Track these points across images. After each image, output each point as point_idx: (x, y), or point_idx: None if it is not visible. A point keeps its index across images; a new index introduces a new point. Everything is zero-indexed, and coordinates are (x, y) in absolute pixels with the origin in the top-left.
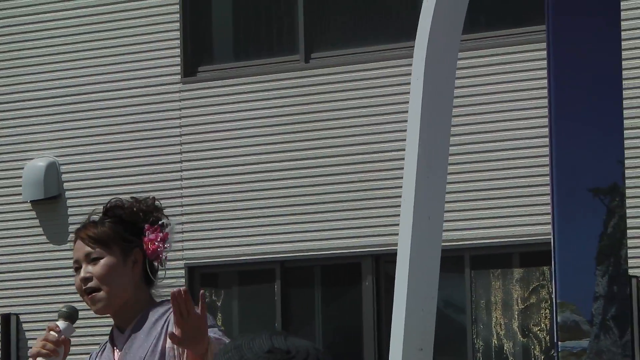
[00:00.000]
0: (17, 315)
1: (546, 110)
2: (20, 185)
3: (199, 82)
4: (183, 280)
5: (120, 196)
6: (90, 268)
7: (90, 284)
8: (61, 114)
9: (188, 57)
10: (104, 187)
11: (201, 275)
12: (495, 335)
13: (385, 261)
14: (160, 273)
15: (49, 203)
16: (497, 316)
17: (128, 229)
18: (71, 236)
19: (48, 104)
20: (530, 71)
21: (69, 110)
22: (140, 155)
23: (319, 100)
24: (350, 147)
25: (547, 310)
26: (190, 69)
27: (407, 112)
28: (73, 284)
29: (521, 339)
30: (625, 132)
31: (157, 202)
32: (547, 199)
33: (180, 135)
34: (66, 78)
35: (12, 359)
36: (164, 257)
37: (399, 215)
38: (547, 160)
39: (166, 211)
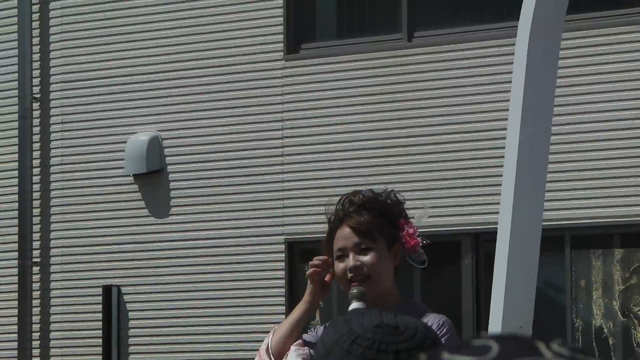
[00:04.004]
0: (118, 287)
1: None
2: (123, 159)
3: (301, 60)
4: (283, 255)
5: (222, 172)
6: (361, 257)
7: (361, 272)
8: (164, 89)
9: (291, 34)
10: (206, 162)
11: (301, 251)
12: (595, 316)
13: (485, 240)
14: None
15: (151, 177)
16: (597, 296)
17: (389, 222)
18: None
19: (151, 79)
20: (637, 52)
21: (172, 85)
22: (242, 131)
23: (421, 79)
24: (452, 125)
25: None
26: (293, 47)
27: (509, 91)
28: (174, 257)
29: (621, 319)
30: None
31: (397, 195)
32: None
33: (282, 112)
34: (170, 54)
35: (113, 329)
36: (421, 251)
37: (499, 193)
38: None
39: (267, 187)
